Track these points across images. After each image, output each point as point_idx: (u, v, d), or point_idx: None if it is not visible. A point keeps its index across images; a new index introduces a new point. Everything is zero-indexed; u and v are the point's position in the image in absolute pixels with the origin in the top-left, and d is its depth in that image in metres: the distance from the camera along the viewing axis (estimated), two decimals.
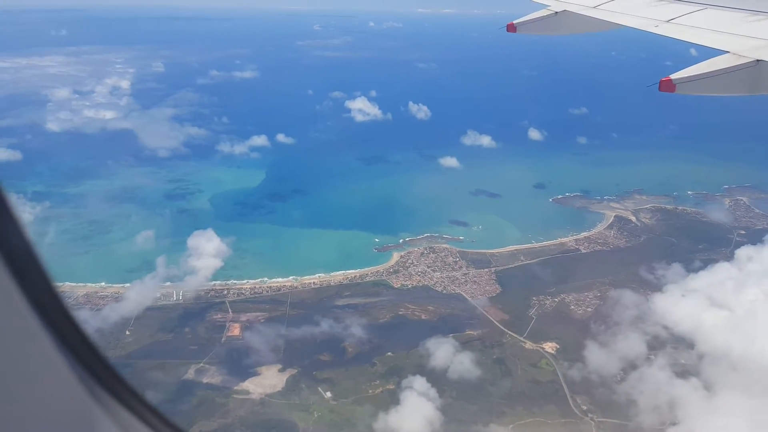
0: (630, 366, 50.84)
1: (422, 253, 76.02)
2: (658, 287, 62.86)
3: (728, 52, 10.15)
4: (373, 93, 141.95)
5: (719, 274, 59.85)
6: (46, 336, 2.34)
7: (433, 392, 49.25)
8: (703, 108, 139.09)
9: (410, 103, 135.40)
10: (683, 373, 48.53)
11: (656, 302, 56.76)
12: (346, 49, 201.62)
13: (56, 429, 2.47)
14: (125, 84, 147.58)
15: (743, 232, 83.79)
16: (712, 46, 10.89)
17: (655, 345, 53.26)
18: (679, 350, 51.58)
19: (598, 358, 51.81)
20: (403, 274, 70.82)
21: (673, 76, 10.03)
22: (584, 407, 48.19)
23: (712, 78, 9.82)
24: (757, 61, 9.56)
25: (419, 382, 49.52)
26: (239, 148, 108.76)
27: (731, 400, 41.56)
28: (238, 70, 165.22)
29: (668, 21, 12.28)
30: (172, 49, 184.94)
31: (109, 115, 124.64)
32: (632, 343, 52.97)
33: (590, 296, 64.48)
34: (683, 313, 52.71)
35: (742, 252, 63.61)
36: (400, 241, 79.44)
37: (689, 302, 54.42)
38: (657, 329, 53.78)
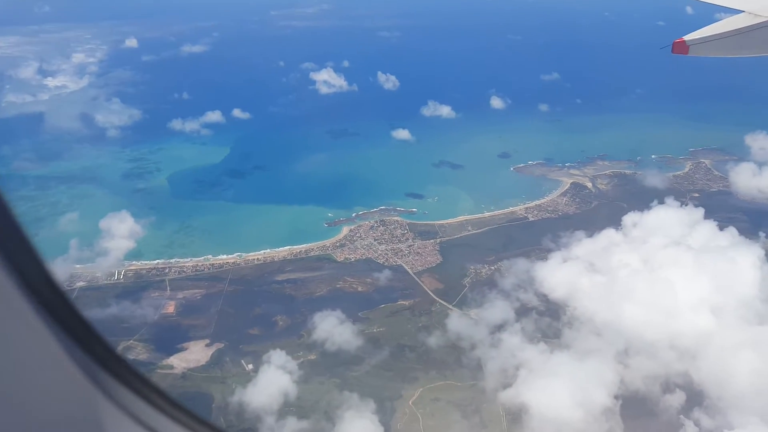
0: (533, 330, 52.15)
1: (372, 227, 76.70)
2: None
3: (743, 11, 9.91)
4: (345, 63, 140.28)
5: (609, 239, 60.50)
6: (40, 320, 2.29)
7: (353, 360, 50.79)
8: (684, 69, 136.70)
9: (379, 74, 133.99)
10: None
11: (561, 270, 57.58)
12: (318, 18, 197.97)
13: (56, 414, 2.42)
14: (85, 62, 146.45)
15: (697, 195, 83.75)
16: (727, 5, 10.71)
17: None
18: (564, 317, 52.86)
19: (515, 323, 52.94)
20: (348, 248, 71.71)
21: (686, 38, 9.77)
22: None
23: (727, 39, 9.54)
24: None
25: (338, 352, 50.96)
26: (201, 126, 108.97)
27: (564, 362, 42.88)
28: (195, 44, 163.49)
29: None
30: (146, 23, 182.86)
31: (66, 95, 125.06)
32: (546, 309, 54.16)
33: (525, 263, 64.88)
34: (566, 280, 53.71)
35: (628, 218, 63.68)
36: (353, 215, 79.97)
37: (576, 269, 55.39)
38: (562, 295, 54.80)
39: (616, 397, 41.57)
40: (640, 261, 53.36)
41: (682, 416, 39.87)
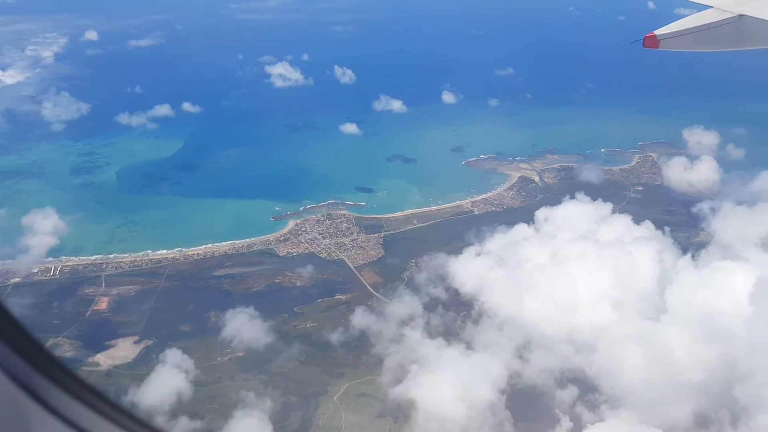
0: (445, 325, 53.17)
1: (318, 221, 76.68)
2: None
3: (711, 7, 10.27)
4: (305, 57, 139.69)
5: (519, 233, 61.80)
6: None
7: (282, 356, 51.01)
8: (642, 64, 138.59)
9: (335, 67, 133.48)
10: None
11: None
12: (278, 12, 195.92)
13: None
14: (40, 55, 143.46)
15: (640, 188, 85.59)
16: (696, 0, 11.00)
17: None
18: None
19: (435, 317, 53.92)
20: (292, 242, 71.67)
21: (657, 32, 10.03)
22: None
23: (695, 33, 9.91)
24: (740, 15, 9.70)
25: (267, 348, 51.11)
26: (155, 120, 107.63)
27: (460, 357, 43.79)
28: (153, 37, 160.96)
29: None
30: (105, 16, 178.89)
31: (18, 89, 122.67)
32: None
33: (467, 256, 65.40)
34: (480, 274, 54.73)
35: (540, 213, 64.97)
36: (301, 209, 79.84)
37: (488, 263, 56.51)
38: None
39: (502, 392, 42.49)
40: (550, 255, 54.44)
41: (557, 410, 40.91)
